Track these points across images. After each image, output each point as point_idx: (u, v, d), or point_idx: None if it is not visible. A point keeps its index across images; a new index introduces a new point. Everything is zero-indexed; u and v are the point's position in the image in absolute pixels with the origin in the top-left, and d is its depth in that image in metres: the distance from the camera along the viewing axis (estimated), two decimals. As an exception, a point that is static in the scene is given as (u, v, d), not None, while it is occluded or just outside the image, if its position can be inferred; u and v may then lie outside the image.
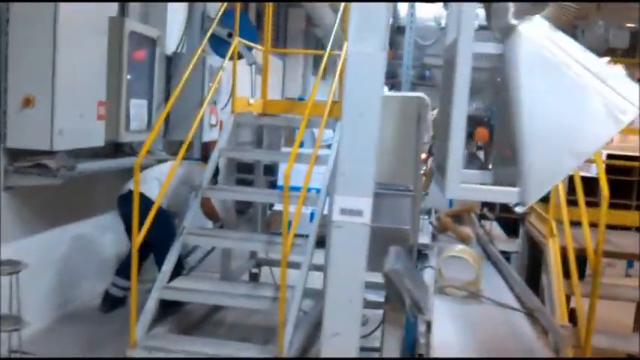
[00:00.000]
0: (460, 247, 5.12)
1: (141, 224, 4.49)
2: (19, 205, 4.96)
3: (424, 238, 5.48)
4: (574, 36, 6.32)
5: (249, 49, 7.25)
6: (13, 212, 4.89)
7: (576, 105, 2.78)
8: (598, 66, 2.90)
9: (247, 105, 6.25)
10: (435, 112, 5.34)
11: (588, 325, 3.87)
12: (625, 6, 9.35)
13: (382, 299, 3.79)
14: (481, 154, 6.98)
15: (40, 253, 5.28)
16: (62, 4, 4.62)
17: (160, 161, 6.22)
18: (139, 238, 4.41)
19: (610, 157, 9.55)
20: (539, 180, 2.75)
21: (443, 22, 4.93)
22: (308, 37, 14.07)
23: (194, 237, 5.20)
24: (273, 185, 9.16)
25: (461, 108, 2.77)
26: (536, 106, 2.79)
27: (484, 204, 7.36)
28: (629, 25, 7.36)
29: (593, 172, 9.91)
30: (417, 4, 6.14)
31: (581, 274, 6.36)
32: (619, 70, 2.81)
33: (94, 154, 5.61)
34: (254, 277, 6.72)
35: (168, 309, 5.48)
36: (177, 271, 5.31)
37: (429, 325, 3.73)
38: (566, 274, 4.60)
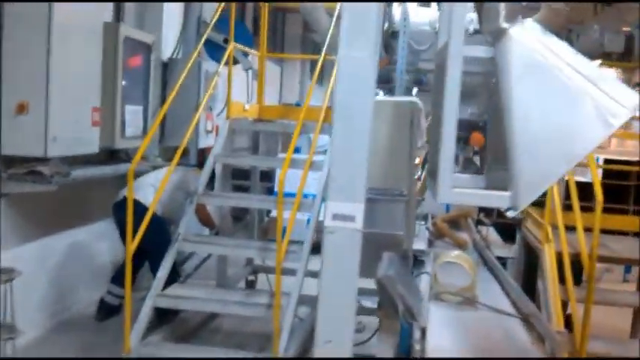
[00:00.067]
0: (456, 253, 5.11)
1: (136, 231, 4.48)
2: (13, 212, 4.94)
3: (420, 244, 5.47)
4: (569, 40, 6.33)
5: (245, 54, 7.25)
6: (8, 219, 4.86)
7: (567, 108, 2.77)
8: (590, 69, 2.89)
9: (243, 111, 6.24)
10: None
11: (583, 330, 3.85)
12: (622, 10, 9.36)
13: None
14: (477, 160, 6.93)
15: (34, 260, 5.25)
16: (56, 10, 4.61)
17: (156, 167, 6.20)
18: (133, 245, 4.39)
19: (607, 161, 9.56)
20: (530, 184, 2.73)
21: (438, 27, 4.93)
22: (305, 42, 14.10)
23: (189, 244, 5.18)
24: (270, 191, 9.13)
25: (452, 112, 2.76)
26: (527, 110, 2.78)
27: (481, 209, 7.35)
28: (625, 29, 7.36)
29: (589, 177, 9.91)
30: (412, 9, 6.15)
31: (578, 280, 6.33)
32: (611, 73, 2.80)
33: (89, 160, 5.59)
34: (250, 285, 6.69)
35: (163, 317, 5.46)
36: (173, 278, 5.28)
37: (423, 331, 3.71)
38: (563, 279, 4.58)
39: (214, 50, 7.20)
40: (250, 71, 7.81)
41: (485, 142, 3.40)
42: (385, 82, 6.05)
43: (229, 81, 5.91)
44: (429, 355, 3.63)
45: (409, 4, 7.03)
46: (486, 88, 4.20)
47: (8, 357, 4.67)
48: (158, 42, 6.60)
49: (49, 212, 5.40)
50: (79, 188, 5.63)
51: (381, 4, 3.12)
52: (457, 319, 4.46)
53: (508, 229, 7.01)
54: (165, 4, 7.01)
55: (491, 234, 6.94)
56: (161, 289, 4.83)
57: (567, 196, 5.30)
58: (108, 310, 5.70)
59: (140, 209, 4.88)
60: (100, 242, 6.24)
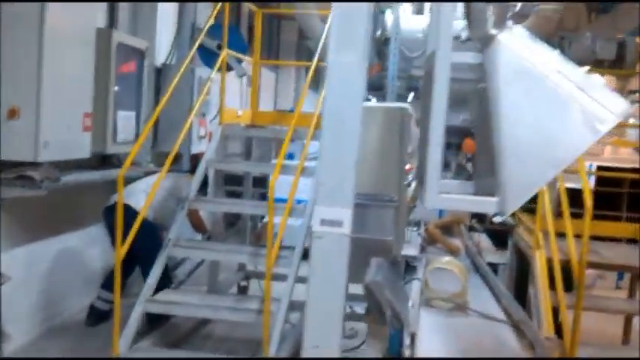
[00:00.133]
0: (447, 259, 5.11)
1: (126, 236, 4.47)
2: (4, 217, 4.92)
3: (412, 250, 5.47)
4: (561, 47, 6.36)
5: (239, 61, 7.26)
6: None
7: (555, 114, 2.77)
8: (577, 76, 2.90)
9: (236, 116, 6.25)
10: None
11: (573, 336, 3.85)
12: (615, 18, 9.41)
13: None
14: (470, 166, 6.94)
15: (25, 265, 5.23)
16: (48, 15, 4.61)
17: (148, 173, 6.20)
18: (122, 249, 4.38)
19: (601, 168, 9.58)
20: (517, 189, 2.74)
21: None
22: (301, 49, 14.14)
23: (180, 249, 5.17)
24: (264, 197, 9.11)
25: (439, 117, 2.76)
26: (515, 116, 2.79)
27: (473, 215, 7.36)
28: (618, 36, 7.40)
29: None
30: (405, 16, 6.17)
31: (570, 286, 6.34)
32: (598, 79, 2.81)
33: (81, 165, 5.59)
34: (242, 290, 6.68)
35: (154, 323, 5.45)
36: (165, 283, 5.27)
37: (413, 337, 3.70)
38: (554, 285, 4.58)
39: (208, 57, 7.21)
40: (245, 78, 7.83)
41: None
42: (378, 88, 6.06)
43: (222, 87, 5.92)
44: (419, 361, 3.63)
45: (402, 12, 7.07)
46: (478, 94, 4.22)
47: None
48: (151, 48, 6.60)
49: (40, 217, 5.38)
50: (71, 193, 5.61)
51: (371, 11, 3.12)
52: (447, 325, 4.45)
53: (500, 236, 7.02)
54: (159, 10, 7.02)
55: (484, 240, 6.95)
56: (151, 295, 4.82)
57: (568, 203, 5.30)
58: (98, 316, 5.68)
59: (131, 214, 4.87)
60: (91, 248, 6.22)
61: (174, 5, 7.76)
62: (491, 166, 2.88)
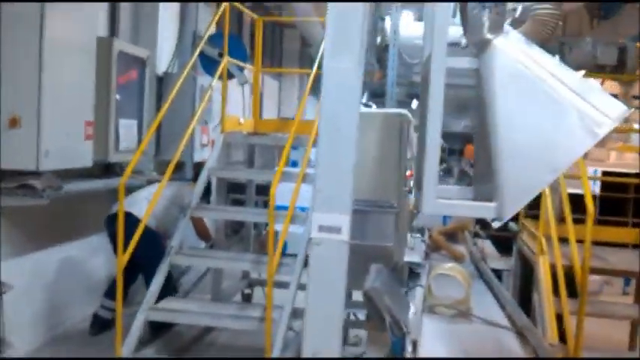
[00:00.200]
0: (450, 265, 5.08)
1: (129, 244, 4.48)
2: (6, 226, 4.93)
3: (415, 257, 5.45)
4: (561, 52, 6.34)
5: (241, 69, 7.27)
6: (1, 233, 4.86)
7: (552, 119, 2.76)
8: (574, 80, 2.89)
9: (238, 124, 6.26)
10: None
11: (576, 342, 3.81)
12: (617, 23, 9.38)
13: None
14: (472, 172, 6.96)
15: (28, 274, 5.24)
16: (48, 24, 4.63)
17: (151, 182, 6.21)
18: (124, 258, 4.38)
19: (605, 174, 9.53)
20: (515, 194, 2.72)
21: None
22: (303, 57, 14.17)
23: (183, 257, 5.17)
24: (268, 205, 9.11)
25: (435, 123, 2.75)
26: (511, 120, 2.78)
27: (478, 222, 7.33)
28: (620, 41, 7.38)
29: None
30: (405, 23, 6.17)
31: (575, 292, 6.30)
32: (595, 83, 2.80)
33: (84, 174, 5.60)
34: (247, 298, 6.67)
35: (158, 331, 5.44)
36: (169, 292, 5.28)
37: (415, 343, 3.68)
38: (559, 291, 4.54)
39: (210, 65, 7.22)
40: (247, 86, 7.85)
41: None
42: (380, 95, 6.05)
43: (224, 95, 5.93)
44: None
45: (403, 19, 7.07)
46: (478, 100, 4.21)
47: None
48: (153, 56, 6.63)
49: (42, 226, 5.39)
50: (74, 202, 5.63)
51: (367, 15, 3.12)
52: (450, 332, 4.42)
53: (504, 242, 6.99)
54: (161, 19, 7.05)
55: (488, 246, 6.91)
56: (154, 303, 4.82)
57: (572, 209, 5.27)
58: (101, 325, 5.68)
59: (133, 223, 4.88)
60: (94, 256, 6.23)
61: (176, 13, 7.80)
62: (489, 171, 2.87)
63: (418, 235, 6.30)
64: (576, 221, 4.57)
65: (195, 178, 6.37)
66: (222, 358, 4.70)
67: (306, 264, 4.88)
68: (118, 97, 5.78)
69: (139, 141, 6.19)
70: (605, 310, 5.13)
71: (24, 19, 4.59)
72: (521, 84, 2.81)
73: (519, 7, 5.12)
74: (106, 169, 6.10)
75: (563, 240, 4.74)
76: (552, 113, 2.77)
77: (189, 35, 7.49)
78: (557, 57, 5.59)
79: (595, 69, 6.22)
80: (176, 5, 7.81)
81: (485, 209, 2.81)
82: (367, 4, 3.14)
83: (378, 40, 6.17)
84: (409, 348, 3.65)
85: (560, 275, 4.26)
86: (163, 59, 7.34)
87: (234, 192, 8.83)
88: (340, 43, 3.00)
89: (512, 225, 6.47)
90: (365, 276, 3.45)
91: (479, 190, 3.26)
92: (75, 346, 5.46)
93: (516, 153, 2.73)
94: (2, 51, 4.53)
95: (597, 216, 9.70)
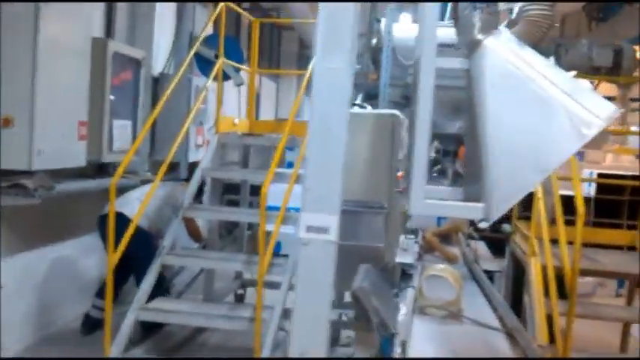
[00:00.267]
0: (441, 266, 5.10)
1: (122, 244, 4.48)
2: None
3: (408, 258, 5.45)
4: (557, 54, 6.35)
5: (237, 70, 7.28)
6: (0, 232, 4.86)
7: (541, 119, 2.76)
8: (564, 80, 2.89)
9: (232, 125, 6.26)
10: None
11: (565, 343, 3.82)
12: (615, 26, 9.39)
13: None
14: (468, 173, 6.96)
15: (19, 274, 5.23)
16: (42, 25, 4.63)
17: (145, 182, 6.20)
18: (115, 257, 4.38)
19: (601, 176, 9.54)
20: (503, 195, 2.72)
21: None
22: (301, 59, 14.18)
23: (175, 257, 5.17)
24: (263, 206, 9.10)
25: (424, 123, 2.75)
26: (500, 121, 2.78)
27: (472, 223, 7.33)
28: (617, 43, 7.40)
29: (584, 191, 9.90)
30: (403, 23, 6.18)
31: (566, 293, 6.30)
32: (585, 83, 2.80)
33: (78, 174, 5.60)
34: (240, 298, 6.66)
35: (149, 331, 5.44)
36: (160, 292, 5.27)
37: (404, 344, 3.69)
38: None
39: (206, 66, 7.23)
40: (244, 87, 7.85)
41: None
42: (375, 97, 6.05)
43: (219, 96, 5.93)
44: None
45: (401, 20, 7.07)
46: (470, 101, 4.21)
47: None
48: (148, 57, 6.63)
49: (36, 225, 5.39)
50: (67, 202, 5.62)
51: (358, 17, 3.12)
52: (440, 333, 4.44)
53: (498, 243, 7.00)
54: (157, 20, 7.05)
55: (481, 248, 6.93)
56: (145, 302, 4.81)
57: (565, 210, 5.28)
58: (93, 324, 5.66)
59: (125, 223, 4.87)
60: (87, 256, 6.22)
61: (172, 14, 7.80)
62: (478, 171, 2.87)
63: (412, 236, 6.31)
64: (570, 223, 4.57)
65: (189, 179, 6.38)
66: (211, 358, 4.69)
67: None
68: (112, 97, 5.78)
69: (134, 141, 6.18)
70: (596, 312, 5.13)
71: (19, 20, 4.59)
72: (511, 84, 2.82)
73: (515, 8, 5.14)
74: (100, 169, 6.09)
75: (556, 241, 4.74)
76: (542, 113, 2.77)
77: (185, 36, 7.50)
78: (552, 58, 5.60)
79: (590, 71, 6.23)
80: (173, 6, 7.82)
81: (473, 210, 2.81)
82: (359, 4, 3.14)
83: (374, 41, 6.16)
84: (398, 349, 3.65)
85: (550, 276, 4.27)
86: (160, 60, 7.34)
87: (230, 193, 8.82)
88: (331, 43, 2.99)
89: (505, 226, 6.47)
90: (354, 276, 3.45)
91: (468, 191, 3.26)
92: (66, 346, 5.44)
93: (505, 153, 2.74)
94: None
95: (592, 218, 9.75)
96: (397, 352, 3.60)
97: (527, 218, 5.64)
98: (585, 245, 6.21)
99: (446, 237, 7.09)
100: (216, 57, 6.89)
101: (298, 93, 13.75)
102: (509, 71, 2.86)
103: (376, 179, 3.85)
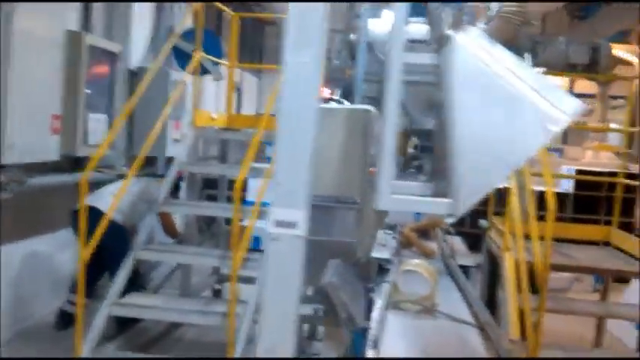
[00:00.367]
0: (416, 261, 5.10)
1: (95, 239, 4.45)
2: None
3: (385, 253, 5.46)
4: (534, 51, 6.37)
5: (216, 64, 7.24)
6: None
7: (508, 115, 2.76)
8: (532, 77, 2.90)
9: (210, 119, 6.23)
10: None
11: (535, 338, 3.84)
12: (595, 24, 9.46)
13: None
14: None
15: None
16: (16, 17, 4.57)
17: (121, 176, 6.16)
18: (87, 251, 4.35)
19: (580, 172, 9.65)
20: (469, 191, 2.73)
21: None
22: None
23: (150, 252, 5.15)
24: (243, 200, 9.09)
25: (391, 118, 2.76)
26: (468, 116, 2.78)
27: (451, 219, 7.36)
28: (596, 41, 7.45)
29: (562, 187, 10.00)
30: (382, 19, 6.17)
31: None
32: (554, 80, 2.81)
33: (54, 168, 5.55)
34: (217, 294, 6.64)
35: (124, 326, 5.41)
36: (135, 288, 5.24)
37: (375, 339, 3.69)
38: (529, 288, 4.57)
39: (184, 60, 7.19)
40: (224, 81, 7.82)
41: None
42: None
43: (195, 89, 5.90)
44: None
45: (383, 16, 7.05)
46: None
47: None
48: (125, 51, 6.58)
49: (9, 220, 5.33)
50: (42, 196, 5.57)
51: (327, 12, 3.11)
52: (414, 328, 4.43)
53: (475, 238, 7.04)
54: (136, 13, 7.00)
55: (458, 243, 6.95)
56: (118, 298, 4.79)
57: (539, 206, 5.32)
58: (67, 319, 5.62)
59: (100, 217, 4.84)
60: (61, 251, 6.17)
61: (151, 8, 7.74)
62: (446, 167, 2.88)
63: (390, 231, 6.32)
64: (545, 218, 4.59)
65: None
66: (180, 358, 4.65)
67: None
68: (88, 91, 5.73)
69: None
70: (569, 307, 5.18)
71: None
72: (479, 80, 2.82)
73: (495, 6, 5.18)
74: (76, 163, 6.04)
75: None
76: (509, 109, 2.78)
77: (164, 30, 7.44)
78: (527, 55, 5.62)
79: (567, 68, 6.26)
80: (151, -1, 7.77)
81: (440, 205, 2.82)
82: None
83: (353, 37, 6.14)
84: (370, 343, 3.66)
85: (522, 271, 4.30)
86: (138, 54, 7.28)
87: (210, 188, 8.80)
88: (301, 37, 2.99)
89: (482, 222, 6.51)
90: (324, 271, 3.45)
91: (438, 187, 3.27)
92: (41, 341, 5.41)
93: (472, 149, 2.74)
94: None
95: (571, 214, 9.86)
96: (369, 345, 3.61)
97: (503, 214, 5.69)
98: (562, 240, 6.29)
99: (424, 232, 7.11)
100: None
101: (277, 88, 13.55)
102: (477, 67, 2.86)
103: (349, 174, 3.83)
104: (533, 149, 2.83)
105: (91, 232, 4.51)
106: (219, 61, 6.99)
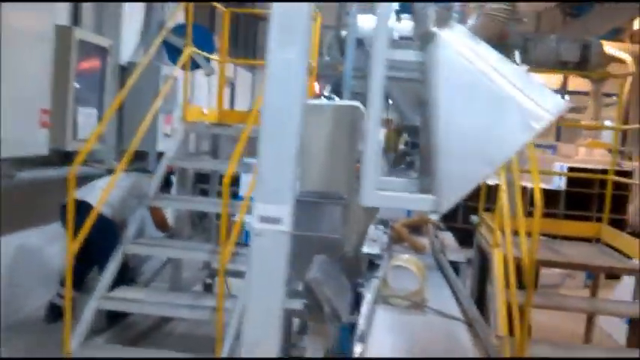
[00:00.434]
0: (406, 257, 5.12)
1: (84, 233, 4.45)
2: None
3: (375, 249, 5.48)
4: (525, 49, 6.39)
5: (207, 59, 7.24)
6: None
7: (491, 112, 2.77)
8: (516, 74, 2.90)
9: (201, 114, 6.23)
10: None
11: (522, 334, 3.86)
12: (587, 22, 9.50)
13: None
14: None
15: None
16: (4, 13, 4.55)
17: (111, 171, 6.15)
18: (75, 245, 4.36)
19: (572, 170, 9.67)
20: (452, 187, 2.73)
21: (395, 34, 4.96)
22: (278, 49, 14.09)
23: (137, 246, 5.14)
24: (235, 196, 9.10)
25: (375, 114, 2.76)
26: (451, 113, 2.79)
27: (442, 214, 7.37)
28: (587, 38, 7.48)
29: (554, 184, 10.03)
30: (367, 16, 6.17)
31: (534, 285, 6.36)
32: (538, 78, 2.81)
33: (44, 162, 5.54)
34: (208, 288, 6.65)
35: (114, 319, 5.42)
36: (125, 282, 5.25)
37: (362, 334, 3.70)
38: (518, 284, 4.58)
39: (176, 55, 7.17)
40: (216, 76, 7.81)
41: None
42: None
43: (185, 84, 5.89)
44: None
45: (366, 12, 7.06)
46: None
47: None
48: (116, 46, 6.56)
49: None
50: (32, 190, 5.57)
51: (312, 5, 3.11)
52: (402, 323, 4.45)
53: (465, 234, 7.07)
54: (126, 8, 6.98)
55: (448, 238, 6.97)
56: (107, 291, 4.79)
57: (530, 202, 5.34)
58: (57, 313, 5.63)
59: (89, 211, 4.84)
60: (51, 245, 6.17)
61: (142, 3, 7.72)
62: (431, 163, 2.88)
63: (381, 226, 6.34)
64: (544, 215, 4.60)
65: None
66: (162, 358, 4.65)
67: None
68: (78, 85, 5.72)
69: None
70: (558, 303, 5.19)
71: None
72: (463, 77, 2.82)
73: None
74: (66, 157, 6.03)
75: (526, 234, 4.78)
76: (492, 107, 2.78)
77: (155, 25, 7.42)
78: (517, 53, 5.64)
79: (558, 65, 6.28)
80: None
81: (423, 202, 2.83)
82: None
83: (344, 33, 6.15)
84: (357, 338, 3.67)
85: (510, 267, 4.31)
86: (129, 49, 7.27)
87: (203, 182, 8.80)
88: (285, 34, 2.99)
89: (473, 218, 6.53)
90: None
91: (423, 183, 3.27)
92: (31, 335, 5.41)
93: (454, 146, 2.74)
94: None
95: (563, 210, 9.88)
96: (356, 340, 3.62)
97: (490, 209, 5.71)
98: (554, 237, 6.31)
99: (416, 228, 7.12)
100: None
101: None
102: (461, 64, 2.87)
103: (335, 170, 3.84)
104: (516, 147, 2.83)
105: (80, 225, 4.51)
106: (211, 56, 6.98)
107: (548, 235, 6.33)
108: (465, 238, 7.17)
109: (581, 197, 9.89)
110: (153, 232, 6.25)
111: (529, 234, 4.33)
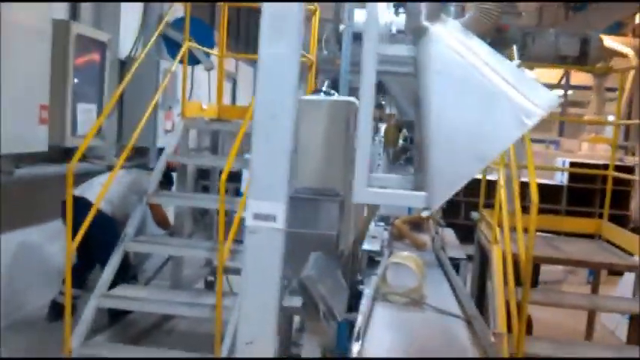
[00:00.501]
0: (405, 254, 5.10)
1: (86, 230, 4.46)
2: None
3: (375, 245, 5.46)
4: (524, 43, 6.35)
5: (207, 54, 7.22)
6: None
7: (482, 108, 2.75)
8: (508, 69, 2.88)
9: (201, 110, 6.22)
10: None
11: (519, 331, 3.84)
12: (589, 16, 9.44)
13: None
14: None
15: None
16: (2, 8, 4.55)
17: (111, 167, 6.15)
18: (75, 242, 4.36)
19: (574, 165, 9.62)
20: (444, 184, 2.72)
21: (394, 29, 4.92)
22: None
23: (137, 244, 5.14)
24: (237, 192, 9.10)
25: (367, 110, 2.74)
26: (443, 109, 2.77)
27: (444, 211, 7.35)
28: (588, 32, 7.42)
29: (557, 179, 9.98)
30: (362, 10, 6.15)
31: (534, 282, 6.35)
32: (530, 73, 2.79)
33: (43, 159, 5.54)
34: (210, 285, 6.65)
35: (116, 317, 5.42)
36: (126, 280, 5.25)
37: (359, 332, 3.69)
38: (517, 281, 4.56)
39: (175, 50, 7.16)
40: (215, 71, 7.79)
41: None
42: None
43: (184, 79, 5.88)
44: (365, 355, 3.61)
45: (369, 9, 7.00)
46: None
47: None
48: (114, 40, 6.55)
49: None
50: (32, 187, 5.57)
51: (303, 5, 3.09)
52: (400, 320, 4.43)
53: (466, 230, 7.04)
54: (125, 3, 6.96)
55: (449, 235, 6.95)
56: (107, 289, 4.79)
57: (529, 198, 5.27)
58: (59, 311, 5.63)
59: (89, 208, 4.84)
60: (53, 242, 6.17)
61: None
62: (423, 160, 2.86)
63: (382, 223, 6.32)
64: (541, 211, 4.56)
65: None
66: (158, 359, 4.65)
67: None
68: (76, 81, 5.71)
69: (100, 125, 6.12)
70: (558, 300, 5.17)
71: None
72: (454, 72, 2.80)
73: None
74: (66, 154, 6.03)
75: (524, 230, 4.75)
76: (483, 102, 2.76)
77: (154, 19, 7.40)
78: (516, 47, 5.59)
79: (557, 59, 6.23)
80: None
81: (415, 198, 2.81)
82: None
83: (342, 27, 6.12)
84: (354, 336, 3.66)
85: (509, 264, 4.29)
86: (128, 43, 7.26)
87: (204, 179, 8.80)
88: (277, 28, 2.97)
89: (474, 214, 6.51)
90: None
91: (417, 179, 3.26)
92: (33, 333, 5.42)
93: (446, 142, 2.73)
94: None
95: (565, 206, 9.83)
96: (354, 338, 3.61)
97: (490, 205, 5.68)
98: (555, 233, 6.27)
99: (417, 224, 7.10)
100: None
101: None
102: (453, 59, 2.85)
103: (331, 167, 3.83)
104: (508, 142, 2.83)
105: (80, 222, 4.51)
106: (210, 50, 6.97)
107: (550, 232, 6.30)
108: (467, 234, 7.15)
109: (584, 193, 9.83)
110: (154, 230, 6.25)
111: (525, 230, 4.31)
